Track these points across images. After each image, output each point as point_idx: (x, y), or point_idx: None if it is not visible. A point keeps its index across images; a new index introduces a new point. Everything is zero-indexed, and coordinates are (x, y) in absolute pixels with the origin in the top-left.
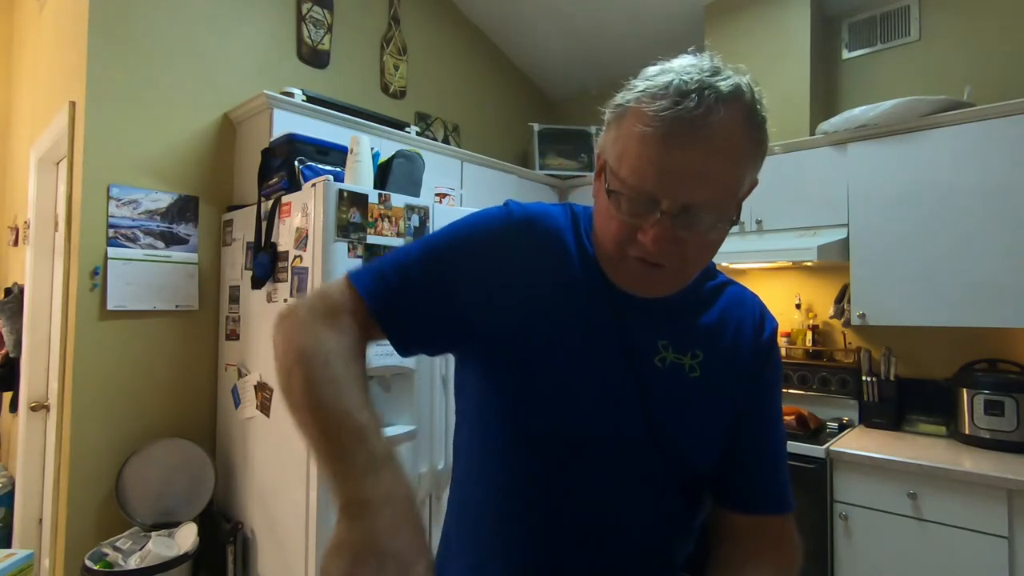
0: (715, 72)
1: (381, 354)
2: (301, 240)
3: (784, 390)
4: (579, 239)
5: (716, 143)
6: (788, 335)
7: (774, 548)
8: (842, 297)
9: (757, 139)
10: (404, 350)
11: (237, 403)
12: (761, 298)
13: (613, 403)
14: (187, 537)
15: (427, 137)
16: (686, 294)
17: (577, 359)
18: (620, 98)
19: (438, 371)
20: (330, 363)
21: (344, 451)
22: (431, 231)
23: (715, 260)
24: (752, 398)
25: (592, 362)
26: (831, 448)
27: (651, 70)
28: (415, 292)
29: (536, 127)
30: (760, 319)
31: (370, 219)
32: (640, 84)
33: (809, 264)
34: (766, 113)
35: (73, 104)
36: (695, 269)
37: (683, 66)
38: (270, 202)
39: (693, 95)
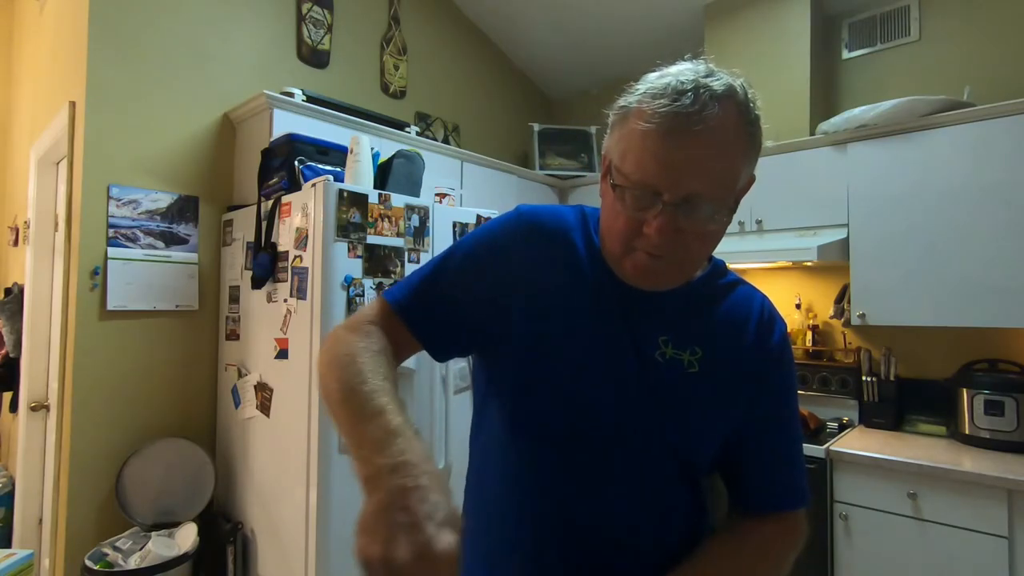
0: (709, 73)
1: None
2: (301, 240)
3: None
4: (588, 237)
5: (711, 137)
6: (788, 335)
7: (772, 528)
8: (842, 297)
9: (751, 134)
10: (433, 349)
11: (237, 403)
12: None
13: (618, 394)
14: (187, 537)
15: (427, 137)
16: (693, 292)
17: (586, 352)
18: (623, 100)
19: (438, 371)
20: (355, 360)
21: (364, 434)
22: (431, 231)
23: None
24: (761, 403)
25: (600, 354)
26: (831, 448)
27: (651, 75)
28: (436, 295)
29: (536, 127)
30: (768, 321)
31: (370, 219)
32: (641, 87)
33: (809, 264)
34: (759, 112)
35: (73, 104)
36: (696, 261)
37: (680, 70)
38: (270, 202)
39: (689, 93)
